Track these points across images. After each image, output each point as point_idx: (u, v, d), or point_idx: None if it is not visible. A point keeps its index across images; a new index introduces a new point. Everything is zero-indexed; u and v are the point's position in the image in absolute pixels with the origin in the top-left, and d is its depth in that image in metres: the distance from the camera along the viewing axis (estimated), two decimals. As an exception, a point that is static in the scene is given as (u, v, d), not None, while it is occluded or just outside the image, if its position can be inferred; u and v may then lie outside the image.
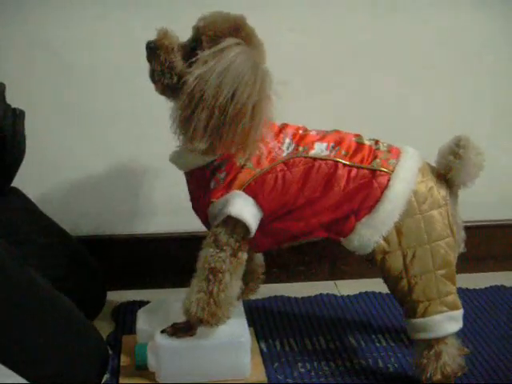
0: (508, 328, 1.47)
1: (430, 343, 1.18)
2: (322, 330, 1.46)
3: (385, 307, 1.55)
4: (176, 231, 1.58)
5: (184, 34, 1.50)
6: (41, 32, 1.48)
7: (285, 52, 1.56)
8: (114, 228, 1.62)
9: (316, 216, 1.18)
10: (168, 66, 1.13)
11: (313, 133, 1.21)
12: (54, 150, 1.54)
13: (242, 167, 1.15)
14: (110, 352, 1.29)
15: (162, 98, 1.53)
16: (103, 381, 1.23)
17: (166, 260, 1.62)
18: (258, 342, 1.39)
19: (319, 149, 1.17)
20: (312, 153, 1.17)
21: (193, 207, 1.25)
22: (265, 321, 1.49)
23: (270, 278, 1.68)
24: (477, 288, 1.65)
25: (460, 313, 1.20)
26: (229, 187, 1.15)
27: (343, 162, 1.16)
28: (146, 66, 1.52)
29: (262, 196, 1.15)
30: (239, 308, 1.31)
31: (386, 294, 1.58)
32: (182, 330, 1.21)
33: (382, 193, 1.15)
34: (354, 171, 1.16)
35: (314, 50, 1.58)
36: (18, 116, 1.28)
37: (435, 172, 1.20)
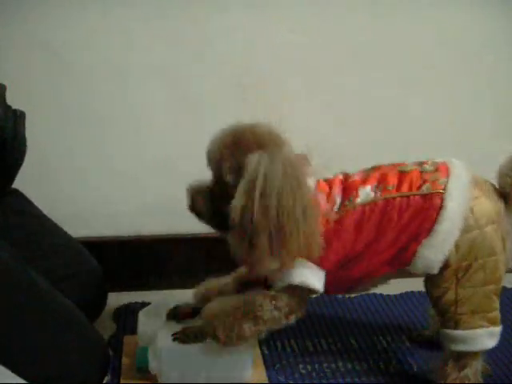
0: (510, 329, 1.46)
1: (466, 355, 1.18)
2: (324, 331, 1.46)
3: (386, 308, 1.56)
4: (177, 232, 1.58)
5: (184, 34, 1.51)
6: (41, 32, 1.47)
7: (285, 52, 1.56)
8: (116, 229, 1.62)
9: (377, 255, 1.17)
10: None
11: (355, 178, 1.19)
12: (54, 151, 1.54)
13: None
14: (111, 353, 1.29)
15: (161, 99, 1.54)
16: (104, 382, 1.23)
17: (168, 261, 1.62)
18: (259, 344, 1.38)
19: (364, 193, 1.16)
20: (358, 201, 1.15)
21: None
22: (266, 322, 1.49)
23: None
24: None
25: (499, 330, 1.19)
26: None
27: (391, 196, 1.15)
28: (145, 66, 1.53)
29: (321, 258, 1.14)
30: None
31: (387, 295, 1.60)
32: (193, 337, 1.21)
33: (438, 214, 1.13)
34: (405, 201, 1.14)
35: (314, 51, 1.57)
36: (18, 117, 1.27)
37: (490, 187, 1.19)
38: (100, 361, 1.23)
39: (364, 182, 1.18)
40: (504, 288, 1.63)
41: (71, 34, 1.49)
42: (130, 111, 1.54)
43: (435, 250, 1.14)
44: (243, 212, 1.05)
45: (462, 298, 1.16)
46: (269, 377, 1.28)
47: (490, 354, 1.35)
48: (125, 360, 1.30)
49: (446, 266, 1.15)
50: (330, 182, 1.20)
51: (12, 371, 1.11)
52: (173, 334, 1.21)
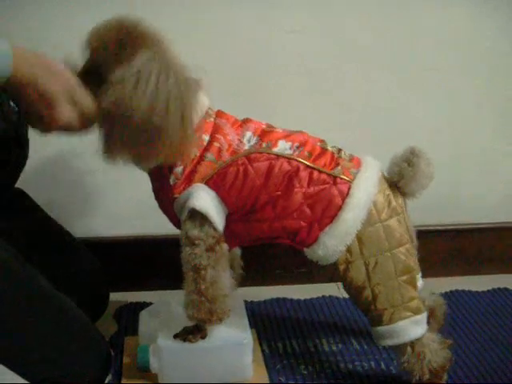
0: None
1: (403, 348, 1.18)
2: (325, 332, 1.46)
3: (387, 309, 1.55)
4: (179, 233, 1.58)
5: (184, 34, 1.51)
6: (41, 33, 1.48)
7: (285, 53, 1.57)
8: (118, 229, 1.62)
9: (279, 220, 1.17)
10: None
11: (278, 130, 1.20)
12: (57, 151, 1.55)
13: (202, 159, 1.14)
14: (112, 353, 1.29)
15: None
16: (105, 382, 1.23)
17: (169, 261, 1.60)
18: (260, 344, 1.38)
19: (283, 147, 1.17)
20: (275, 150, 1.16)
21: (160, 208, 1.23)
22: (267, 323, 1.49)
23: (273, 279, 1.68)
24: (479, 290, 1.65)
25: (423, 316, 1.19)
26: (190, 180, 1.14)
27: (306, 163, 1.16)
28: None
29: (224, 189, 1.15)
30: (241, 309, 1.31)
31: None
32: (192, 332, 1.21)
33: (343, 201, 1.15)
34: (316, 174, 1.16)
35: (314, 51, 1.58)
36: (21, 117, 1.28)
37: (389, 181, 1.21)
38: (101, 361, 1.23)
39: (286, 137, 1.19)
40: (507, 289, 1.65)
41: (72, 34, 1.49)
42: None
43: (337, 240, 1.16)
44: (119, 103, 1.03)
45: (377, 293, 1.17)
46: (270, 377, 1.28)
47: (493, 356, 1.36)
48: (126, 360, 1.30)
49: (351, 261, 1.16)
50: (246, 120, 1.20)
51: (12, 371, 1.11)
52: (175, 336, 1.22)
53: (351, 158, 1.21)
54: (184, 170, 1.14)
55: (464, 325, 1.48)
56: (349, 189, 1.16)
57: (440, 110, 1.66)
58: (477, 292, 1.64)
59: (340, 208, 1.16)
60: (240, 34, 1.54)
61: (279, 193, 1.16)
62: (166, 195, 1.17)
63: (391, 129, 1.63)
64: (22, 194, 1.40)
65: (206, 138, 1.16)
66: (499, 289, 1.66)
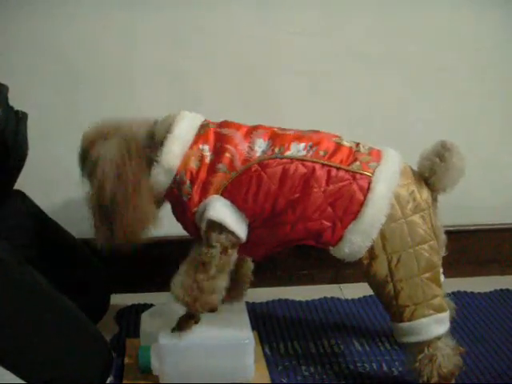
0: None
1: (421, 347, 1.17)
2: (327, 333, 1.46)
3: (389, 310, 1.55)
4: (180, 234, 1.57)
5: (183, 34, 1.52)
6: (44, 34, 1.48)
7: (286, 54, 1.57)
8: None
9: (301, 221, 1.17)
10: None
11: (290, 132, 1.20)
12: (57, 152, 1.55)
13: (215, 171, 1.16)
14: (114, 355, 1.29)
15: (163, 100, 1.55)
16: (106, 383, 1.23)
17: (171, 263, 1.61)
18: (262, 346, 1.39)
19: (296, 149, 1.17)
20: (288, 154, 1.16)
21: (183, 226, 1.27)
22: (269, 324, 1.49)
23: (275, 281, 1.68)
24: (482, 292, 1.64)
25: (446, 315, 1.19)
26: (206, 192, 1.16)
27: (321, 162, 1.15)
28: (146, 68, 1.53)
29: (240, 197, 1.16)
30: (243, 311, 1.31)
31: (391, 297, 1.59)
32: (185, 319, 1.22)
33: (365, 196, 1.14)
34: (334, 171, 1.15)
35: (319, 52, 1.58)
36: (20, 118, 1.28)
37: (416, 175, 1.19)
38: (102, 362, 1.23)
39: (299, 138, 1.18)
40: (509, 291, 1.64)
41: (74, 35, 1.50)
42: (135, 112, 1.54)
43: (362, 236, 1.15)
44: (90, 196, 1.18)
45: (399, 289, 1.16)
46: (272, 378, 1.28)
47: (495, 357, 1.36)
48: (127, 361, 1.31)
49: (374, 256, 1.16)
50: (256, 127, 1.21)
51: (13, 373, 1.11)
52: (172, 330, 1.23)
53: (370, 151, 1.19)
54: (192, 183, 1.16)
55: (466, 326, 1.48)
56: (369, 183, 1.14)
57: (448, 112, 1.66)
58: (479, 293, 1.63)
59: (362, 203, 1.14)
60: (242, 34, 1.54)
61: (297, 195, 1.15)
62: (185, 213, 1.19)
63: (395, 130, 1.62)
64: (22, 195, 1.40)
65: (206, 147, 1.17)
66: (501, 290, 1.66)
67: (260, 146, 1.17)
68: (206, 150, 1.17)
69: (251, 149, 1.17)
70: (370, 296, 1.60)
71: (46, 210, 1.42)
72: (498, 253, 1.76)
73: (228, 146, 1.16)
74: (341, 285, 1.69)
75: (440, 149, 1.16)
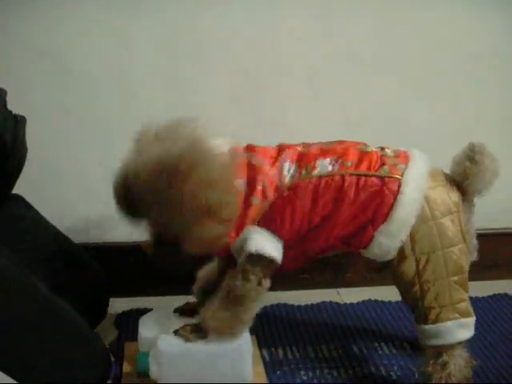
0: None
1: (440, 351, 1.17)
2: (325, 337, 1.46)
3: (387, 315, 1.55)
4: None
5: (183, 34, 1.52)
6: (41, 37, 1.48)
7: (287, 55, 1.57)
8: (117, 235, 1.62)
9: (334, 231, 1.17)
10: None
11: (314, 148, 1.20)
12: (56, 157, 1.55)
13: (250, 205, 1.15)
14: (112, 359, 1.29)
15: (162, 101, 1.55)
16: (105, 388, 1.23)
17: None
18: (260, 350, 1.39)
19: (322, 166, 1.17)
20: (315, 173, 1.16)
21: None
22: (267, 328, 1.49)
23: (273, 285, 1.67)
24: (480, 296, 1.64)
25: (472, 320, 1.19)
26: (242, 225, 1.16)
27: (349, 172, 1.15)
28: (143, 70, 1.53)
29: (276, 224, 1.16)
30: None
31: (389, 301, 1.59)
32: (194, 331, 1.22)
33: (395, 199, 1.14)
34: (362, 180, 1.15)
35: (317, 54, 1.58)
36: (18, 122, 1.28)
37: (448, 178, 1.19)
38: (101, 367, 1.23)
39: (323, 154, 1.18)
40: (507, 295, 1.64)
41: (71, 38, 1.50)
42: (133, 115, 1.54)
43: (391, 237, 1.15)
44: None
45: (425, 291, 1.16)
46: (270, 383, 1.28)
47: (493, 362, 1.36)
48: (126, 366, 1.30)
49: (403, 257, 1.16)
50: (281, 148, 1.21)
51: (12, 378, 1.11)
52: (174, 332, 1.22)
53: (397, 154, 1.19)
54: None
55: (464, 330, 1.48)
56: (399, 186, 1.15)
57: (446, 115, 1.66)
58: (477, 298, 1.63)
59: (392, 206, 1.15)
60: (240, 36, 1.54)
61: (330, 209, 1.16)
62: (224, 248, 1.18)
63: (395, 133, 1.62)
64: (21, 200, 1.40)
65: (241, 182, 1.16)
66: (499, 294, 1.66)
67: (288, 170, 1.17)
68: (241, 183, 1.16)
69: (281, 174, 1.17)
70: (369, 300, 1.60)
71: (44, 215, 1.42)
72: (496, 257, 1.76)
73: (259, 178, 1.16)
74: (339, 289, 1.70)
75: (469, 152, 1.16)
